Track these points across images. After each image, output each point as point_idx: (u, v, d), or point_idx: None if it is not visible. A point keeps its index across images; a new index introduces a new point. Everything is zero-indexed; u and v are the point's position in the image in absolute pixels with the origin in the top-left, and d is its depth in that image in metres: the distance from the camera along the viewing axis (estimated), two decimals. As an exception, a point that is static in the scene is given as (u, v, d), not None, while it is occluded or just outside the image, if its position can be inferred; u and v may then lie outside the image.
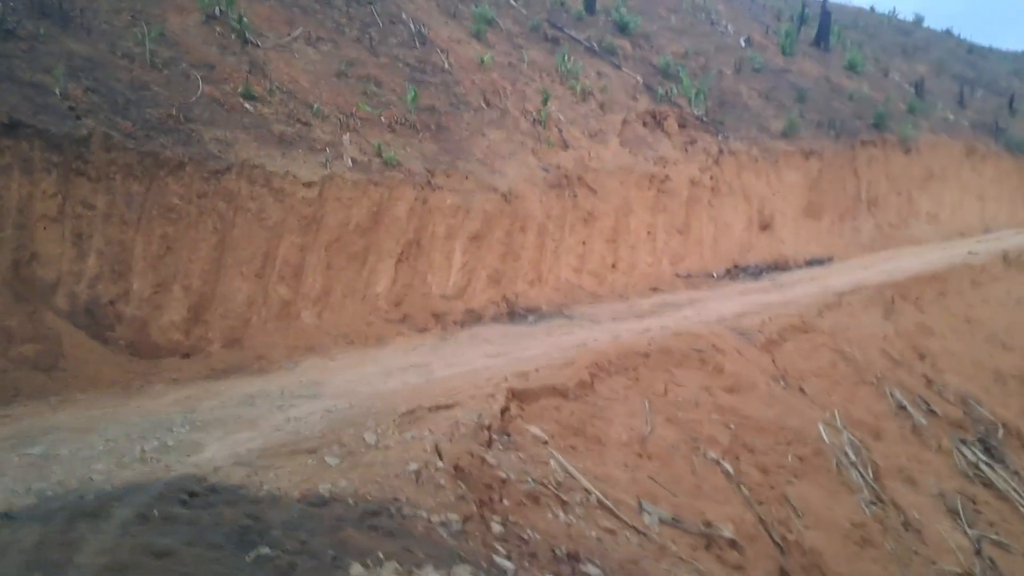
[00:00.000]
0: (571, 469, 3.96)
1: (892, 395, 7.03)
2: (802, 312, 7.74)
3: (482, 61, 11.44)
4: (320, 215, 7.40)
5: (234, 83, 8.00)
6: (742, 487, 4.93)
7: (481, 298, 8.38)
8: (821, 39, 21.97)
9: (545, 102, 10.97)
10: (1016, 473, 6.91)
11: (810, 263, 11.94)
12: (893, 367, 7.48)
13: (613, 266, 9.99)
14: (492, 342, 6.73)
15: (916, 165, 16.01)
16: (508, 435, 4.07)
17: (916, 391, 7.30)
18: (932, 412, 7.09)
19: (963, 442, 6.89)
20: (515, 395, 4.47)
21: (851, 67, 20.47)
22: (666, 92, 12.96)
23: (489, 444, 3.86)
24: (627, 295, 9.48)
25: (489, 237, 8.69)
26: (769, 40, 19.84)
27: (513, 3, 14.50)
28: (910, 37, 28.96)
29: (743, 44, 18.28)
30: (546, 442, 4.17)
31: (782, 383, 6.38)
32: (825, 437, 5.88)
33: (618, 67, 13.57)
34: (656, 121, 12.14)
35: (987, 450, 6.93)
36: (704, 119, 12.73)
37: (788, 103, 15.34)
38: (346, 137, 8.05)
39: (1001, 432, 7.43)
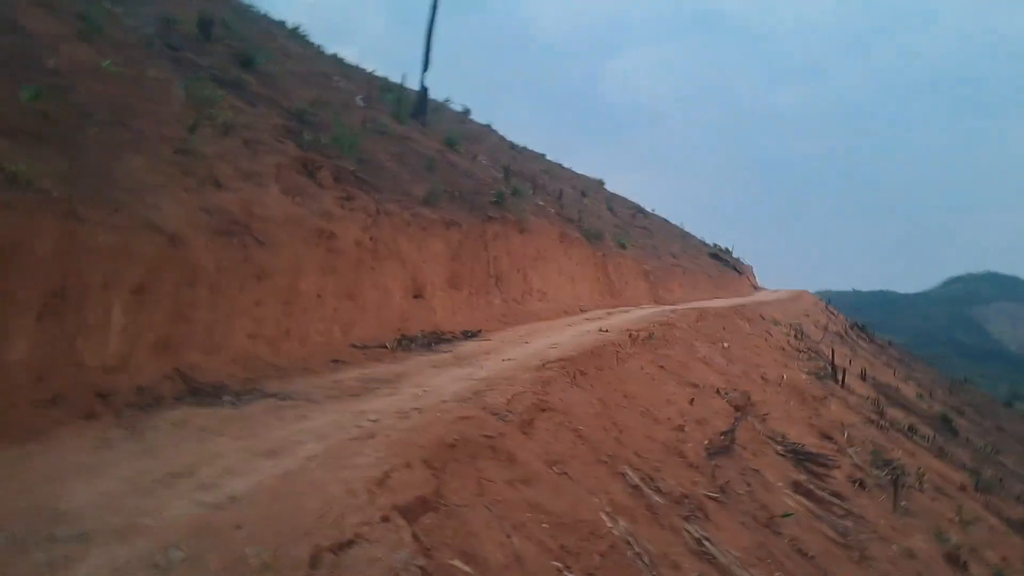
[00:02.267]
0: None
1: (625, 474, 7.46)
2: (530, 388, 7.89)
3: (101, 67, 9.63)
4: (-75, 243, 5.26)
5: None
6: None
7: (151, 371, 6.76)
8: (421, 114, 23.61)
9: (193, 130, 9.64)
10: (718, 545, 7.76)
11: (466, 335, 12.35)
12: (615, 444, 7.98)
13: (287, 333, 9.01)
14: (223, 434, 5.39)
15: (529, 245, 17.94)
16: (440, 578, 3.24)
17: (638, 468, 7.86)
18: (659, 489, 7.68)
19: (686, 519, 7.54)
20: (401, 514, 3.59)
21: (450, 145, 22.31)
22: (314, 140, 12.45)
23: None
24: (312, 367, 8.60)
25: (156, 291, 7.14)
26: (379, 105, 20.59)
27: (114, 9, 12.63)
28: (464, 126, 32.90)
29: (361, 103, 18.66)
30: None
31: (555, 468, 6.33)
32: (613, 528, 5.95)
33: (253, 104, 12.66)
34: (309, 171, 11.53)
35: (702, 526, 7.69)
36: (359, 175, 12.50)
37: (420, 171, 16.00)
38: (-39, 134, 5.95)
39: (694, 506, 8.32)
